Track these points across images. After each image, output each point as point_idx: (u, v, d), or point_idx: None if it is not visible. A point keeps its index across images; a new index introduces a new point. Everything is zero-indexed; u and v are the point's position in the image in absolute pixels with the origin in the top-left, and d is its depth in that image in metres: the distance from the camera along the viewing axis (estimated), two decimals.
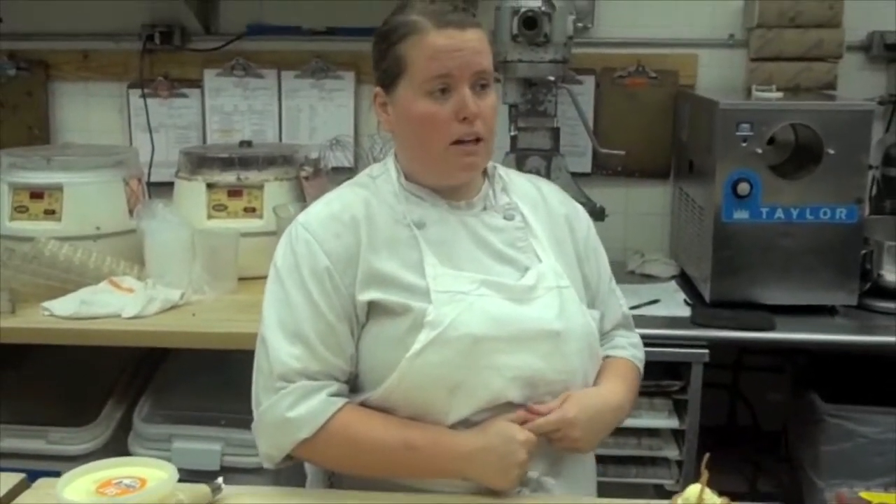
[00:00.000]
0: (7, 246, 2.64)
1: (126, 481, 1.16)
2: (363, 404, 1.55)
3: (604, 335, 1.74)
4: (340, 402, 1.52)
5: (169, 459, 2.04)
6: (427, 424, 1.51)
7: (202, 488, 1.44)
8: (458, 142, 1.54)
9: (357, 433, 1.51)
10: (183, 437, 2.37)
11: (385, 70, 1.57)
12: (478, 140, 1.55)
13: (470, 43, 1.53)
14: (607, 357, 1.73)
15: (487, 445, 1.48)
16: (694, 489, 1.32)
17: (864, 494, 1.43)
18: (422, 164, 1.60)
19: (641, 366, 1.78)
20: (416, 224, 1.58)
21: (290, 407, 1.50)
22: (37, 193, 2.65)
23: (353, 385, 1.58)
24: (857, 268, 2.45)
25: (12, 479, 1.52)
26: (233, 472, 2.29)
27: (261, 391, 1.55)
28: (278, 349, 1.53)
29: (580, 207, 1.79)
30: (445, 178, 1.60)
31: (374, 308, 1.54)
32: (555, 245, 1.67)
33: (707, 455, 1.39)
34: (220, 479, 1.49)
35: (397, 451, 1.50)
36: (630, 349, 1.77)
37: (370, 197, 1.61)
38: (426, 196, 1.61)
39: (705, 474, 1.33)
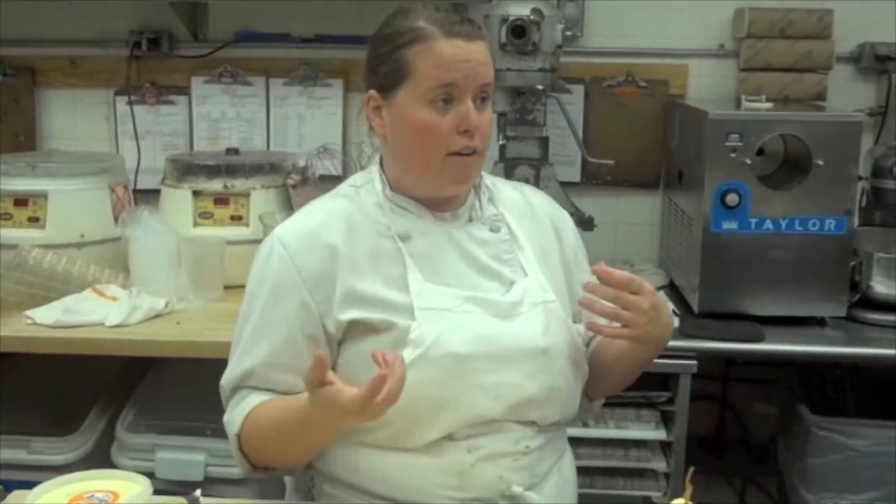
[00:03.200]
0: None
1: (98, 495, 1.15)
2: None
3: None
4: (266, 396, 1.54)
5: (152, 470, 2.04)
6: (296, 397, 1.45)
7: (179, 501, 1.43)
8: (455, 153, 1.53)
9: (260, 422, 1.52)
10: (167, 448, 2.37)
11: (385, 74, 1.55)
12: (473, 153, 1.54)
13: (477, 55, 1.52)
14: None
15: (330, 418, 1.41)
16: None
17: None
18: (414, 173, 1.59)
19: None
20: (401, 237, 1.57)
21: (229, 411, 1.56)
22: (21, 200, 2.63)
23: None
24: (847, 279, 2.45)
25: None
26: (217, 483, 2.29)
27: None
28: (233, 362, 1.57)
29: (567, 215, 1.79)
30: (436, 190, 1.59)
31: (355, 325, 1.53)
32: (541, 256, 1.66)
33: (691, 469, 1.39)
34: (198, 492, 1.48)
35: (283, 432, 1.50)
36: None
37: (353, 209, 1.59)
38: (412, 207, 1.60)
39: (689, 488, 1.32)
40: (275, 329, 1.54)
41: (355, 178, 1.68)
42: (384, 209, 1.59)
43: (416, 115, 1.52)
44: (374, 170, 1.64)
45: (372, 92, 1.58)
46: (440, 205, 1.61)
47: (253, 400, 1.53)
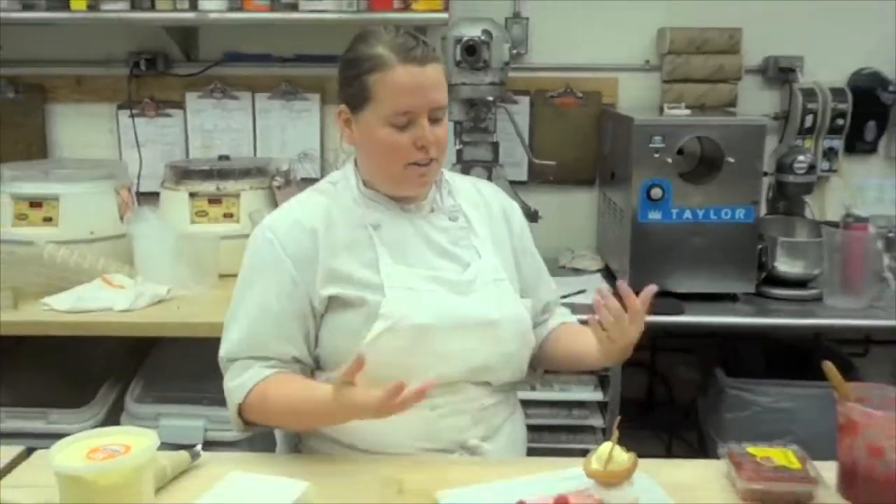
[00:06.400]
0: (9, 249, 2.62)
1: (112, 447, 1.17)
2: (327, 380, 1.56)
3: (544, 308, 1.78)
4: (268, 372, 1.54)
5: (158, 435, 2.04)
6: (317, 386, 1.50)
7: (182, 454, 1.46)
8: (413, 164, 1.56)
9: (268, 398, 1.53)
10: (170, 415, 2.37)
11: (352, 95, 1.56)
12: (431, 160, 1.56)
13: (430, 80, 1.53)
14: (565, 324, 1.78)
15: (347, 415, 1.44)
16: (606, 446, 1.35)
17: (749, 449, 1.47)
18: (380, 177, 1.61)
19: None
20: (373, 226, 1.59)
21: (231, 379, 1.56)
22: (36, 203, 2.62)
23: (317, 364, 1.61)
24: (755, 260, 2.48)
25: (14, 450, 1.54)
26: (215, 445, 2.29)
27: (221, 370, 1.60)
28: (232, 336, 1.58)
29: (516, 205, 1.81)
30: (399, 191, 1.62)
31: (333, 301, 1.56)
32: (493, 242, 1.69)
33: (618, 418, 1.43)
34: (198, 447, 1.50)
35: (290, 411, 1.53)
36: (572, 317, 1.83)
37: (330, 203, 1.61)
38: (381, 201, 1.62)
39: (616, 434, 1.36)
40: (270, 304, 1.55)
41: (333, 176, 1.69)
42: (358, 202, 1.62)
43: (378, 134, 1.54)
44: (350, 169, 1.66)
45: (342, 107, 1.60)
46: (406, 198, 1.63)
47: (258, 373, 1.54)
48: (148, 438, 1.19)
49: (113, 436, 1.20)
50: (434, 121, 1.55)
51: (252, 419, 1.57)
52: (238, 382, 1.54)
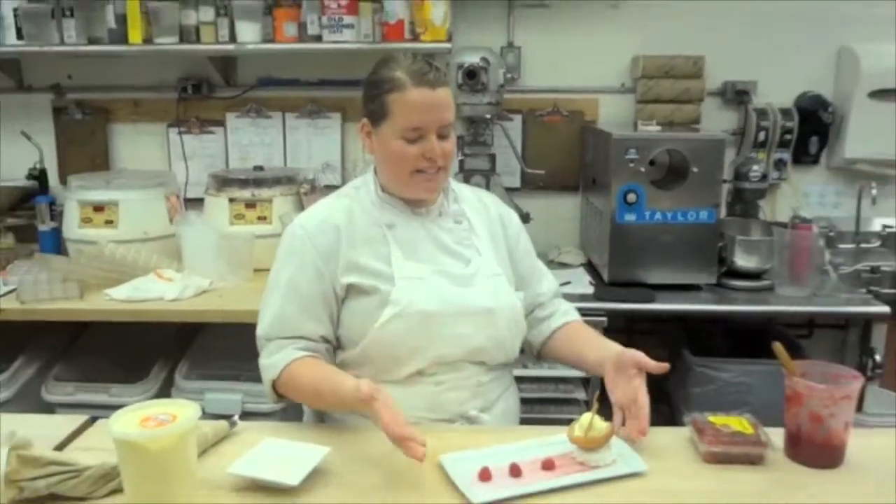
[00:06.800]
0: (76, 248, 2.63)
1: (161, 416, 1.17)
2: (346, 358, 1.57)
3: (545, 302, 1.75)
4: (299, 354, 1.52)
5: (203, 407, 2.06)
6: (338, 377, 1.42)
7: (222, 423, 1.46)
8: (419, 171, 1.55)
9: (296, 379, 1.51)
10: (213, 390, 2.38)
11: (372, 110, 1.57)
12: (438, 169, 1.56)
13: (440, 101, 1.53)
14: (568, 323, 1.73)
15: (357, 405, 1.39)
16: (587, 416, 1.35)
17: (710, 418, 1.47)
18: (392, 182, 1.62)
19: None
20: (388, 225, 1.60)
21: (266, 357, 1.55)
22: (99, 208, 2.64)
23: (338, 343, 1.60)
24: (716, 256, 2.48)
25: (80, 419, 1.55)
26: (251, 416, 2.31)
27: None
28: (266, 317, 1.57)
29: (513, 212, 1.81)
30: (410, 194, 1.62)
31: (352, 288, 1.56)
32: (491, 243, 1.69)
33: (598, 392, 1.43)
34: (236, 417, 1.50)
35: (315, 394, 1.49)
36: (574, 313, 1.78)
37: (352, 205, 1.62)
38: (396, 204, 1.62)
39: (595, 405, 1.36)
40: (299, 290, 1.55)
41: (356, 181, 1.69)
42: (376, 205, 1.62)
43: (392, 145, 1.55)
44: (370, 175, 1.66)
45: (364, 120, 1.60)
46: (418, 203, 1.63)
47: (290, 354, 1.52)
48: (192, 409, 1.19)
49: (162, 407, 1.20)
50: (442, 136, 1.55)
51: (283, 392, 1.56)
52: (271, 362, 1.53)
